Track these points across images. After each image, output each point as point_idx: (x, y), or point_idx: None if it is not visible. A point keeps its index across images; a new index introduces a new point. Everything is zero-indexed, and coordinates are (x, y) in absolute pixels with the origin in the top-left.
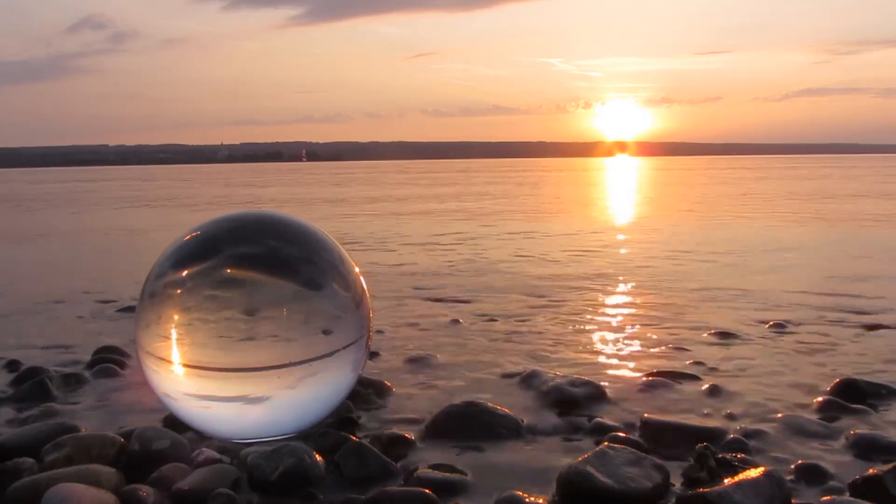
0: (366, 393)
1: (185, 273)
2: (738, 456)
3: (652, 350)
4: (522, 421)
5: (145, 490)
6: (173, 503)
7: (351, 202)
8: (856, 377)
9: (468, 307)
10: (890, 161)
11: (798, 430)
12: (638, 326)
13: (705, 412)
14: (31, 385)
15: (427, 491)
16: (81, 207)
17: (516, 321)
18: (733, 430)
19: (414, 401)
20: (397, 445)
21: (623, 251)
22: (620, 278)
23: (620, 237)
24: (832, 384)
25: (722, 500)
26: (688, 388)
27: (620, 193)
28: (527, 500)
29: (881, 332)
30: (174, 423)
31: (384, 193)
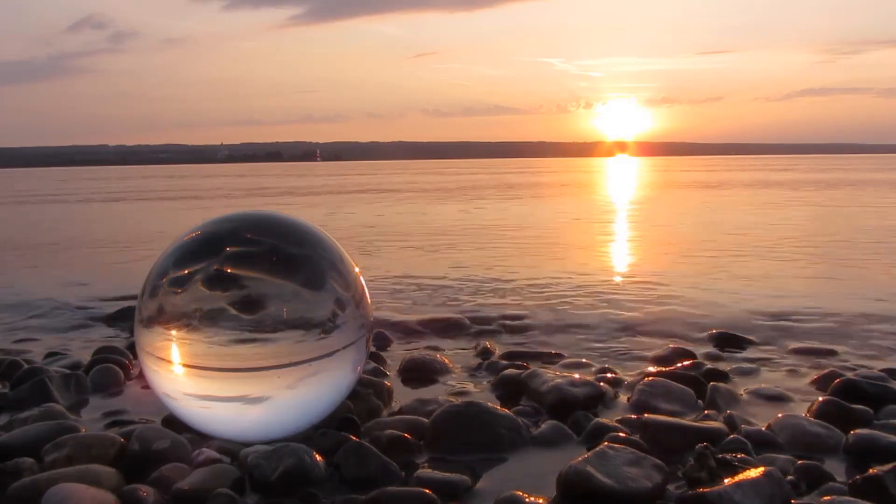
0: (366, 393)
1: (185, 273)
2: (738, 456)
3: (652, 350)
4: (522, 421)
5: (145, 490)
6: (173, 503)
7: None
8: (857, 378)
9: (465, 307)
10: (890, 161)
11: (798, 430)
12: (638, 326)
13: (705, 412)
14: (31, 385)
15: (427, 491)
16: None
17: (514, 321)
18: (733, 430)
19: (414, 401)
20: (397, 446)
21: (623, 249)
22: (620, 277)
23: (624, 235)
24: (833, 384)
25: (722, 500)
26: (687, 387)
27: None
28: (527, 500)
29: (882, 330)
30: (174, 423)
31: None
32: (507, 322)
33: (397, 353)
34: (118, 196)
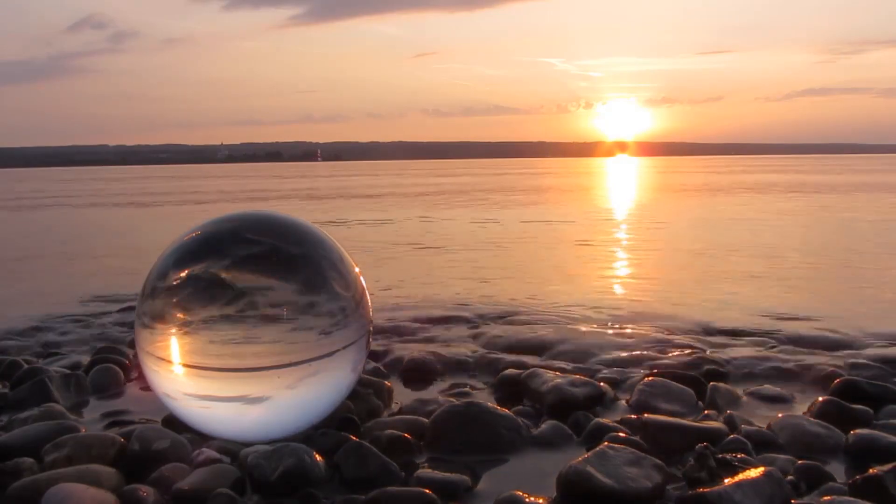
0: (366, 393)
1: (185, 273)
2: (738, 456)
3: (652, 350)
4: (522, 421)
5: (145, 490)
6: (173, 503)
7: None
8: (857, 377)
9: (467, 306)
10: (890, 160)
11: (798, 431)
12: (638, 325)
13: (705, 412)
14: (31, 385)
15: (427, 491)
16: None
17: (515, 320)
18: (733, 430)
19: (414, 401)
20: (397, 446)
21: (622, 249)
22: (620, 277)
23: (621, 234)
24: (833, 384)
25: (722, 500)
26: (687, 387)
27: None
28: (527, 500)
29: (882, 330)
30: (174, 423)
31: None
32: (507, 320)
33: (398, 353)
34: (124, 200)
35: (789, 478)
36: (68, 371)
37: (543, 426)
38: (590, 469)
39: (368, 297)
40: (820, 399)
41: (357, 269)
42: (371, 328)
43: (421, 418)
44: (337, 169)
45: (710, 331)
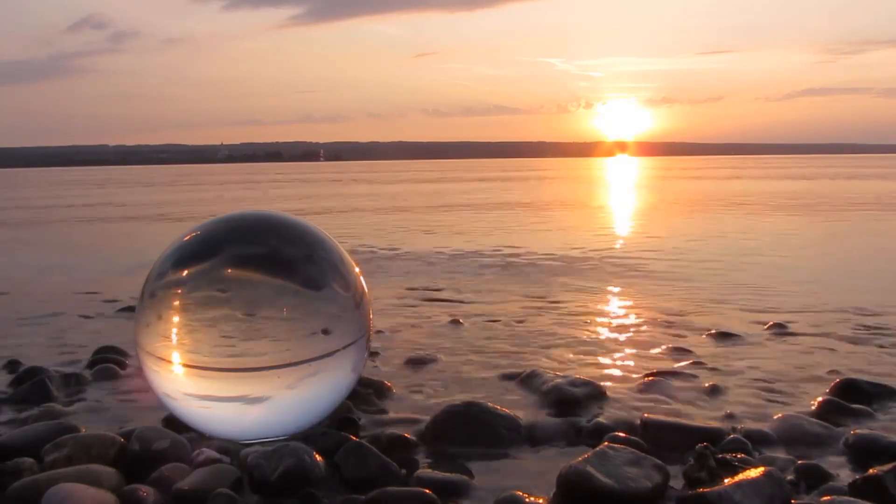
0: (366, 393)
1: (185, 273)
2: (738, 456)
3: (652, 350)
4: (522, 421)
5: (145, 490)
6: (173, 503)
7: None
8: (856, 377)
9: (468, 306)
10: (890, 160)
11: (798, 430)
12: (638, 326)
13: (705, 412)
14: (31, 385)
15: (427, 491)
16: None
17: (516, 321)
18: (733, 430)
19: (414, 401)
20: (397, 446)
21: (621, 249)
22: (620, 278)
23: (617, 236)
24: (832, 384)
25: (722, 500)
26: (688, 388)
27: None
28: (527, 500)
29: (881, 331)
30: (174, 423)
31: None
32: (508, 321)
33: (398, 353)
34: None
35: (789, 478)
36: (68, 370)
37: (544, 426)
38: (590, 469)
39: (368, 297)
40: (820, 399)
41: (357, 270)
42: (371, 328)
43: (421, 418)
44: (350, 169)
45: (711, 331)
